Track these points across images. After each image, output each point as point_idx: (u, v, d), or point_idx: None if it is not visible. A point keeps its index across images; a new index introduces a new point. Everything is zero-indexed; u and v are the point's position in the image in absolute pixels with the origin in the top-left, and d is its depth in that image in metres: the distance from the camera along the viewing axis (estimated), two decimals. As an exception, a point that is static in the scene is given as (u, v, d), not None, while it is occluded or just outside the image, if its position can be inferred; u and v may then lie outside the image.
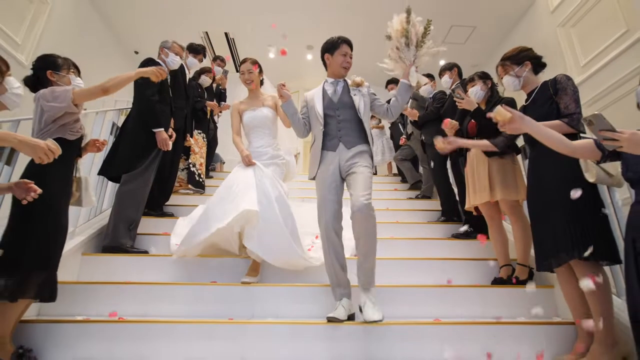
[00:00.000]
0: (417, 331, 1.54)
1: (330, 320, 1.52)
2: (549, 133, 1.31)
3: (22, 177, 1.40)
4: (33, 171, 1.42)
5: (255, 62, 2.23)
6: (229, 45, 5.36)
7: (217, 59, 3.94)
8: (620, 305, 1.51)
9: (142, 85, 2.33)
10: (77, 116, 1.57)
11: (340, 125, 1.79)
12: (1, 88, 1.26)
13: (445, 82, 2.95)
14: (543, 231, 1.60)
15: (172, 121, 2.54)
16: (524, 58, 1.77)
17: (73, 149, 1.59)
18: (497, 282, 1.99)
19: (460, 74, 2.95)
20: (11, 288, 1.31)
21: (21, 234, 1.37)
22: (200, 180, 3.33)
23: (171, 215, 2.65)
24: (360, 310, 1.56)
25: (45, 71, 1.56)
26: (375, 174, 4.26)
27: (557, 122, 1.60)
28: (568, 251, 1.46)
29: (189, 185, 3.32)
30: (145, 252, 2.13)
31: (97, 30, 4.80)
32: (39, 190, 1.30)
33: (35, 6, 3.70)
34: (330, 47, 1.84)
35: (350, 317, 1.61)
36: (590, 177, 1.50)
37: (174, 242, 2.13)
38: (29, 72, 1.60)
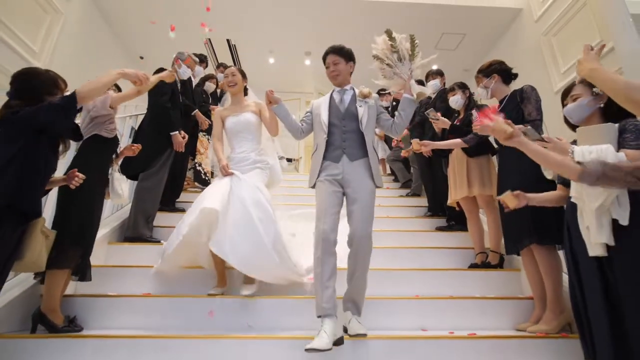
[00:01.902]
0: (401, 305, 1.84)
1: (310, 351, 1.34)
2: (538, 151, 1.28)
3: (68, 170, 1.68)
4: (76, 165, 1.70)
5: (240, 69, 2.28)
6: (230, 51, 5.66)
7: (220, 66, 4.23)
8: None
9: (156, 94, 2.62)
10: (112, 117, 1.86)
11: (345, 135, 1.74)
12: None
13: (433, 86, 3.24)
14: (510, 220, 1.90)
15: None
16: (493, 71, 2.07)
17: (109, 147, 1.88)
18: (473, 266, 2.29)
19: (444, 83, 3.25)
20: (56, 258, 1.59)
21: (64, 218, 1.67)
22: (206, 178, 3.63)
23: (182, 210, 2.94)
24: (345, 330, 1.56)
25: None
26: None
27: (520, 127, 1.90)
28: (529, 237, 1.77)
29: (195, 183, 3.62)
30: (161, 241, 2.42)
31: (105, 37, 5.09)
32: (82, 176, 1.58)
33: (51, 16, 3.99)
34: (324, 61, 1.89)
35: (337, 343, 1.45)
36: (547, 175, 1.81)
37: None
38: None
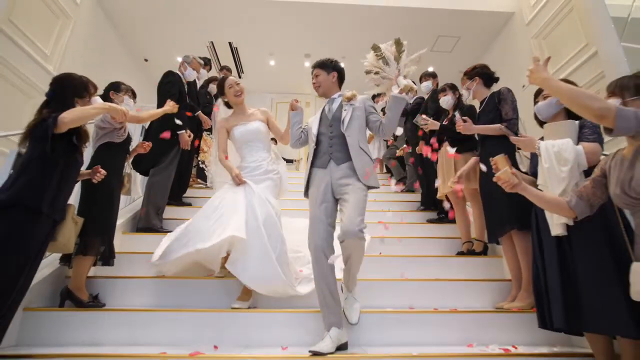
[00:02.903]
0: (391, 286, 2.05)
1: (314, 353, 1.45)
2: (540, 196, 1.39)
3: (88, 168, 1.90)
4: (95, 164, 1.91)
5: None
6: (232, 54, 5.88)
7: (223, 68, 4.46)
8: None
9: (164, 95, 2.84)
10: (121, 127, 2.05)
11: (332, 141, 1.78)
12: (88, 104, 1.66)
13: (426, 87, 3.45)
14: (491, 209, 2.12)
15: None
16: (475, 74, 2.29)
17: (122, 149, 2.10)
18: (460, 254, 2.50)
19: (437, 84, 3.47)
20: (82, 247, 1.81)
21: (87, 210, 1.88)
22: (209, 175, 3.85)
23: (189, 204, 3.16)
24: (344, 312, 1.67)
25: (109, 91, 2.08)
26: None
27: (497, 125, 2.13)
28: (509, 223, 1.98)
29: (198, 180, 3.84)
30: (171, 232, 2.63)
31: (112, 40, 5.32)
32: (104, 172, 1.80)
33: (61, 21, 4.21)
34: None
35: (341, 347, 1.57)
36: (523, 168, 2.02)
37: (158, 251, 2.11)
38: None
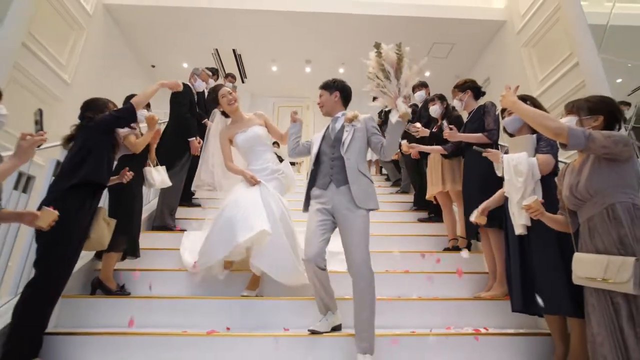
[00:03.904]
0: (382, 278, 2.32)
1: (312, 332, 1.73)
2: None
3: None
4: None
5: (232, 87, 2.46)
6: (236, 60, 6.17)
7: (228, 76, 4.73)
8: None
9: (177, 104, 3.12)
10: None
11: (333, 163, 1.81)
12: None
13: (420, 97, 3.72)
14: (470, 209, 2.38)
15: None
16: (467, 87, 2.56)
17: (140, 156, 2.37)
18: (446, 250, 2.77)
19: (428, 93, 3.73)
20: (111, 243, 2.08)
21: (113, 213, 2.16)
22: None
23: (199, 205, 3.44)
24: None
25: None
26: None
27: (479, 134, 2.40)
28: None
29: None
30: (185, 230, 2.91)
31: (121, 49, 5.61)
32: (131, 174, 2.10)
33: (76, 32, 4.51)
34: None
35: (336, 329, 1.82)
36: (499, 173, 2.29)
37: (188, 258, 2.30)
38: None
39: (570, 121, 1.49)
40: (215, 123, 2.47)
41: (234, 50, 5.97)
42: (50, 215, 1.46)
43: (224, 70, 6.08)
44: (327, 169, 1.84)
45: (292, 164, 6.76)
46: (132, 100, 1.97)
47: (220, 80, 4.71)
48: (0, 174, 1.29)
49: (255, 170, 2.24)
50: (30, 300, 1.57)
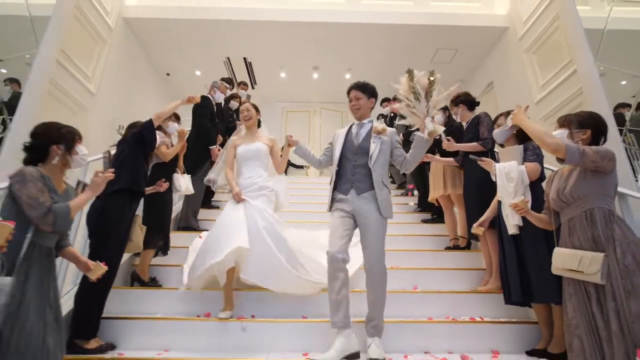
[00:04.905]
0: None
1: None
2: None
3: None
4: (153, 182, 2.49)
5: (254, 105, 2.51)
6: (246, 68, 6.47)
7: (240, 84, 5.03)
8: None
9: (199, 115, 3.42)
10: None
11: (355, 170, 1.88)
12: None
13: (438, 120, 3.96)
14: (470, 210, 2.63)
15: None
16: (459, 102, 2.81)
17: (170, 164, 2.67)
18: (448, 248, 3.03)
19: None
20: (146, 242, 2.39)
21: (148, 216, 2.47)
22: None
23: (217, 207, 3.73)
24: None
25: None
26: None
27: (474, 143, 2.64)
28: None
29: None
30: (207, 230, 3.21)
31: (139, 59, 5.96)
32: (167, 185, 2.40)
33: (99, 45, 4.85)
34: (348, 94, 2.06)
35: (352, 357, 1.70)
36: (493, 178, 2.53)
37: (185, 274, 2.34)
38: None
39: (562, 134, 1.69)
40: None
41: (244, 59, 6.27)
42: (100, 270, 1.56)
43: (235, 77, 6.39)
44: (348, 175, 1.91)
45: (300, 167, 7.03)
46: (154, 114, 2.17)
47: (234, 89, 5.01)
48: (77, 206, 1.46)
49: (242, 184, 2.31)
50: (87, 290, 1.88)
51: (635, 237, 1.50)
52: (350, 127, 2.03)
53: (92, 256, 1.91)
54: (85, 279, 1.90)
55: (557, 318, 1.85)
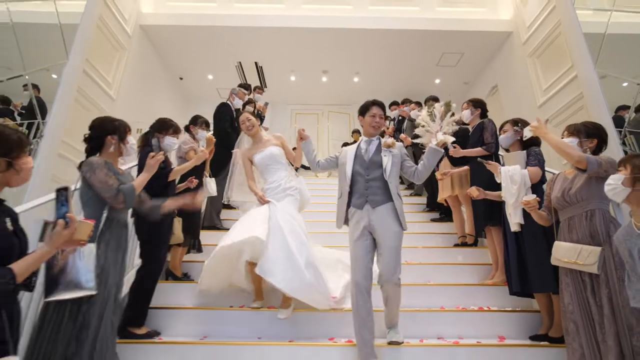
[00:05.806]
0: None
1: None
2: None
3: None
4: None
5: (252, 113, 2.68)
6: (257, 72, 6.71)
7: (256, 88, 5.27)
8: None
9: (219, 120, 3.67)
10: None
11: (368, 184, 1.94)
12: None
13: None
14: (476, 211, 2.87)
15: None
16: (479, 106, 3.02)
17: (198, 168, 2.91)
18: (457, 245, 3.26)
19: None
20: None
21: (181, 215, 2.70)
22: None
23: (236, 207, 3.97)
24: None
25: (190, 125, 2.90)
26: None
27: (479, 148, 2.87)
28: (484, 221, 2.73)
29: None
30: (228, 229, 3.46)
31: (154, 64, 6.21)
32: (197, 181, 2.66)
33: (119, 53, 5.11)
34: (363, 110, 2.11)
35: None
36: (498, 180, 2.77)
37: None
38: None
39: (572, 142, 1.94)
40: (242, 147, 2.80)
41: (255, 63, 6.51)
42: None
43: (246, 80, 6.63)
44: (361, 190, 1.97)
45: (308, 168, 7.27)
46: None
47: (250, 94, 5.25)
48: (139, 185, 1.72)
49: (269, 189, 2.43)
50: (142, 283, 2.14)
51: None
52: (359, 144, 2.12)
53: (145, 259, 2.16)
54: (140, 271, 2.15)
55: (556, 305, 2.08)
